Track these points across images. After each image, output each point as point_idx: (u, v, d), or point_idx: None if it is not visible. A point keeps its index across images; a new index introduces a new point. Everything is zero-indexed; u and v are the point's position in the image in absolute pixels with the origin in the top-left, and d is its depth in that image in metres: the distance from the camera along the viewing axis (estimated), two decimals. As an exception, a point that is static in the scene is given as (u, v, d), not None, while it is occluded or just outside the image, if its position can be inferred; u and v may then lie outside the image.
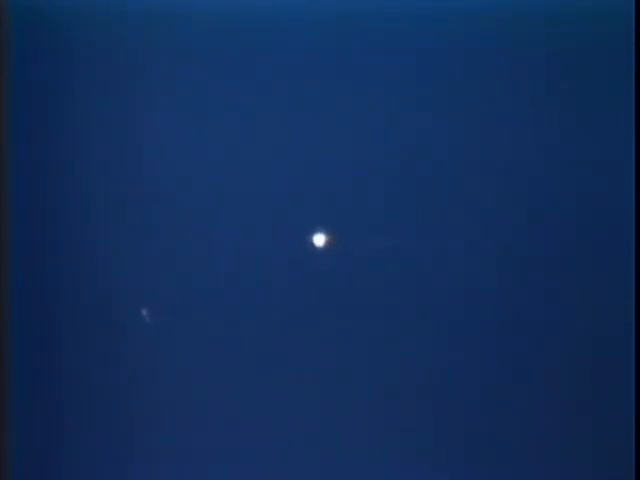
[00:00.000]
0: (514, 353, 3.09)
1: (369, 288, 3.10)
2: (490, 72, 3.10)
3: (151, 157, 3.10)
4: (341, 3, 3.09)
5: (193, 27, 3.09)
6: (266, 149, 3.12)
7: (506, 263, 3.09)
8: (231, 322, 3.10)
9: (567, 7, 3.08)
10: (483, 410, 3.08)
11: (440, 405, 3.08)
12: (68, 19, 3.07)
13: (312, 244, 3.10)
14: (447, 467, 3.08)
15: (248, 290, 3.09)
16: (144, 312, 3.08)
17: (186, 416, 3.08)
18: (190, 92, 3.11)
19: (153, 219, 3.09)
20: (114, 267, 3.09)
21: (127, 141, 3.10)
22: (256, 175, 3.11)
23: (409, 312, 3.09)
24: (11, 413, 2.96)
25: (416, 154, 3.10)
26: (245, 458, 3.09)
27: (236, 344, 3.09)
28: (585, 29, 3.08)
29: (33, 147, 3.07)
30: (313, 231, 3.10)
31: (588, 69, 3.09)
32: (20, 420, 3.02)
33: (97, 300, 3.08)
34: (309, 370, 3.09)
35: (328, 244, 3.09)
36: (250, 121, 3.12)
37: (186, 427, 3.08)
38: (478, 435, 3.07)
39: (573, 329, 3.09)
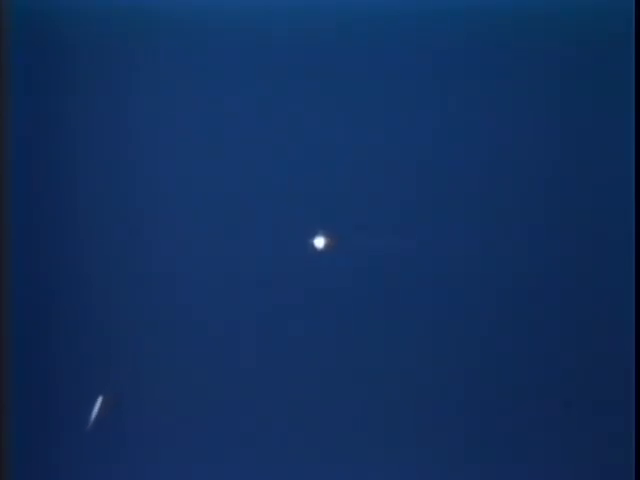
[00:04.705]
0: (514, 353, 3.09)
1: (371, 289, 3.10)
2: (490, 71, 3.10)
3: (151, 157, 3.11)
4: (342, 3, 3.10)
5: (193, 27, 3.10)
6: (267, 150, 3.12)
7: (506, 263, 3.09)
8: (231, 322, 3.10)
9: (567, 7, 3.08)
10: (484, 410, 3.08)
11: (441, 405, 3.08)
12: (68, 19, 3.08)
13: (314, 245, 3.10)
14: (447, 467, 3.08)
15: (248, 290, 3.10)
16: (144, 312, 3.09)
17: (186, 416, 3.08)
18: (190, 92, 3.12)
19: (153, 220, 3.10)
20: (114, 268, 3.10)
21: (127, 140, 3.10)
22: (258, 175, 3.12)
23: (410, 312, 3.09)
24: (11, 413, 2.97)
25: (416, 153, 3.10)
26: (245, 458, 3.09)
27: (236, 345, 3.10)
28: (585, 28, 3.08)
29: (33, 146, 3.08)
30: (315, 232, 3.11)
31: (588, 68, 3.09)
32: (20, 420, 3.03)
33: (96, 301, 3.08)
34: (310, 371, 3.09)
35: (331, 245, 3.10)
36: (251, 122, 3.12)
37: (186, 427, 3.08)
38: (479, 435, 3.07)
39: (574, 329, 3.09)
